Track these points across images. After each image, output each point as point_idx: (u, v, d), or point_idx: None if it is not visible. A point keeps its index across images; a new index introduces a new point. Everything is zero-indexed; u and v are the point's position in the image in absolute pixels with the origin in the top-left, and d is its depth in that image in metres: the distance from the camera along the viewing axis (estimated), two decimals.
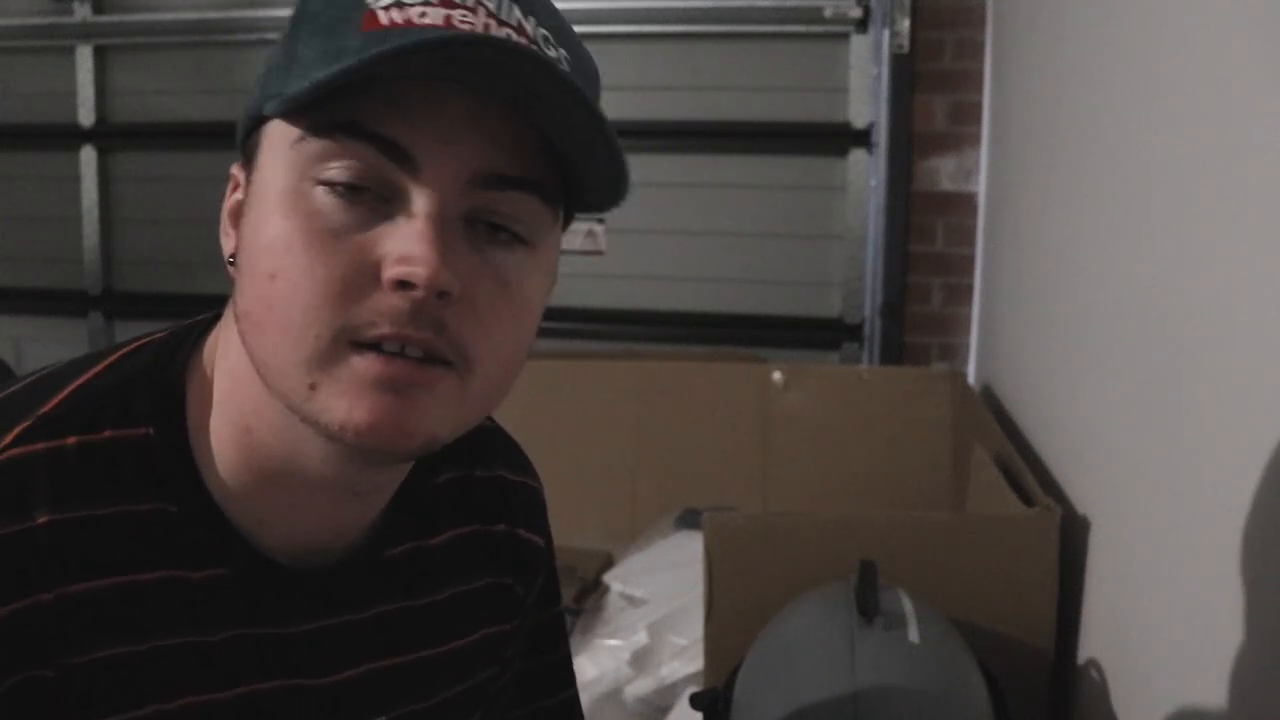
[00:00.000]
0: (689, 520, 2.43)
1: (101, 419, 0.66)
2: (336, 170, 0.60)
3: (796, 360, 2.96)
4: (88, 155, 3.49)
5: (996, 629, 1.59)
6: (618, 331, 3.21)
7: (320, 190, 0.60)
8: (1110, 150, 1.62)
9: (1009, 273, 2.49)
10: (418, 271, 0.58)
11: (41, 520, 0.62)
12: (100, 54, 3.48)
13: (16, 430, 0.64)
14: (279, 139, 0.62)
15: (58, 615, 0.62)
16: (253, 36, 3.27)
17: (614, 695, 1.98)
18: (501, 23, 0.62)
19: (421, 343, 0.60)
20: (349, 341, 0.60)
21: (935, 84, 2.95)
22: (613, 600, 2.28)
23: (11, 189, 3.57)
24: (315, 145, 0.60)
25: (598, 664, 2.01)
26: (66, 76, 3.48)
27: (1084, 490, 1.69)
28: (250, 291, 0.62)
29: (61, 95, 3.50)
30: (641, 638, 2.01)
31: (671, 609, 2.05)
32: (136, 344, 0.71)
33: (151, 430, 0.66)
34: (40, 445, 0.64)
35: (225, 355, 0.68)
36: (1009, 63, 2.57)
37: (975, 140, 2.94)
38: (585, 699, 1.97)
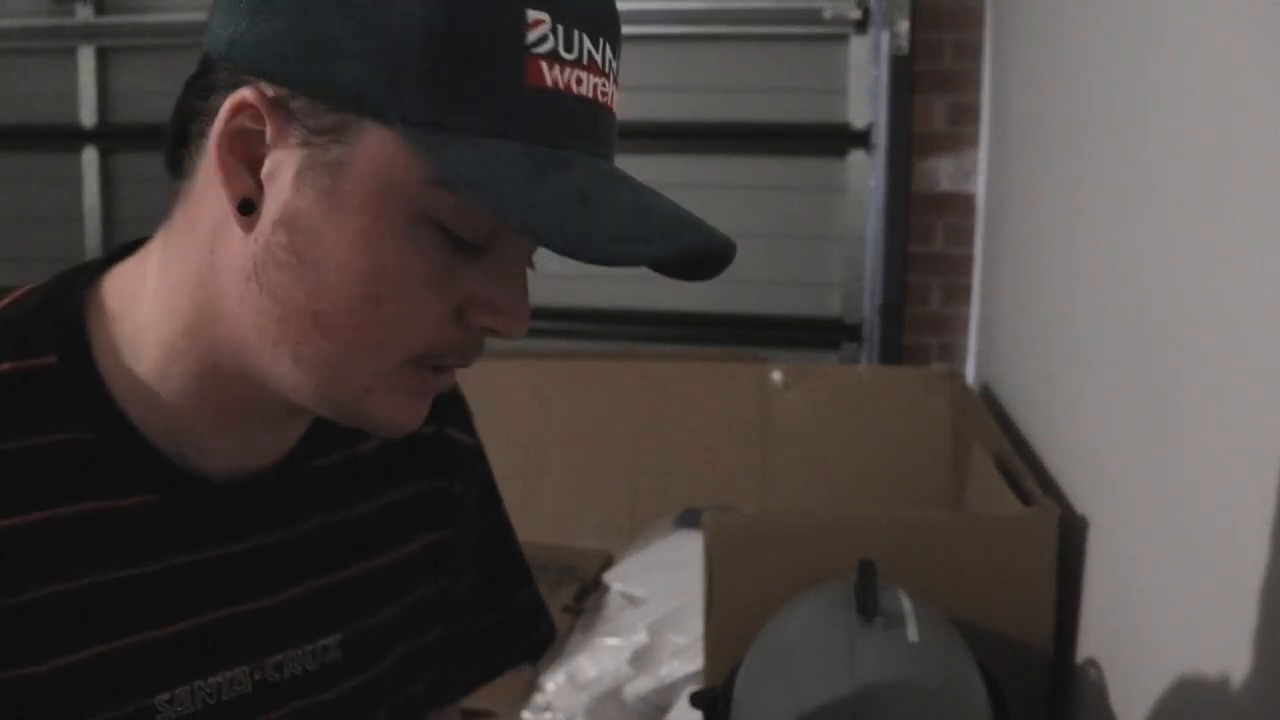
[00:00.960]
0: (689, 520, 2.43)
1: (9, 349, 0.65)
2: (462, 224, 0.61)
3: (796, 360, 2.96)
4: (89, 156, 3.49)
5: (995, 628, 1.60)
6: (618, 331, 3.22)
7: (437, 230, 0.61)
8: (1109, 150, 1.63)
9: (1008, 273, 2.49)
10: (515, 327, 0.64)
11: None
12: (102, 55, 3.48)
13: None
14: (399, 160, 0.59)
15: (12, 539, 0.61)
16: None
17: (614, 694, 1.98)
18: (611, 81, 0.65)
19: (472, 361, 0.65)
20: (417, 361, 0.64)
21: (934, 85, 2.95)
22: (613, 599, 2.28)
23: (13, 190, 3.56)
24: (450, 197, 0.60)
25: (598, 663, 2.01)
26: (68, 77, 3.48)
27: (1083, 490, 1.69)
28: (333, 300, 0.61)
29: (63, 96, 3.50)
30: (641, 637, 2.01)
31: (671, 608, 2.06)
32: (22, 290, 0.70)
33: (55, 359, 0.65)
34: None
35: (168, 290, 0.65)
36: (1008, 64, 2.57)
37: (974, 141, 2.94)
38: (585, 698, 1.98)
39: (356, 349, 0.62)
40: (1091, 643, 1.59)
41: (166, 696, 0.67)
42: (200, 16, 0.70)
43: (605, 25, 0.63)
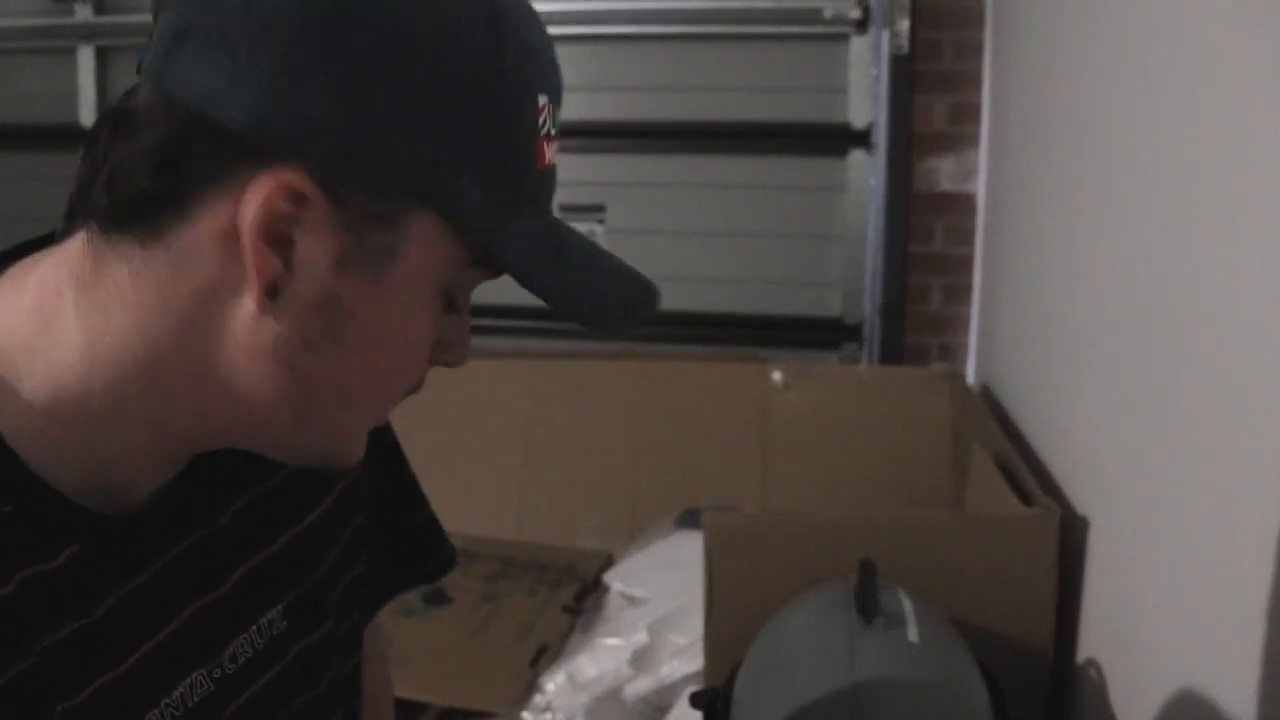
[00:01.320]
0: (689, 520, 2.43)
1: None
2: (467, 292, 0.67)
3: (796, 360, 2.96)
4: None
5: (996, 629, 1.60)
6: (618, 331, 3.21)
7: (445, 296, 0.65)
8: (1109, 150, 1.62)
9: (1008, 273, 2.49)
10: (462, 359, 0.69)
11: None
12: (102, 55, 3.47)
13: None
14: (446, 246, 0.62)
15: None
16: None
17: (614, 695, 1.98)
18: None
19: None
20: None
21: (934, 84, 2.94)
22: (613, 600, 2.28)
23: (12, 189, 3.56)
24: (473, 275, 0.64)
25: (598, 663, 2.01)
26: (68, 77, 3.48)
27: (1083, 490, 1.69)
28: (358, 368, 0.63)
29: (62, 96, 3.49)
30: (641, 637, 2.01)
31: (671, 608, 2.05)
32: None
33: None
34: None
35: (109, 351, 0.61)
36: (1008, 63, 2.57)
37: (974, 140, 2.94)
38: (585, 699, 1.98)
39: (369, 411, 0.67)
40: (1092, 643, 1.59)
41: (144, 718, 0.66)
42: None
43: (562, 94, 0.67)
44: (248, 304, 0.59)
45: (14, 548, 0.60)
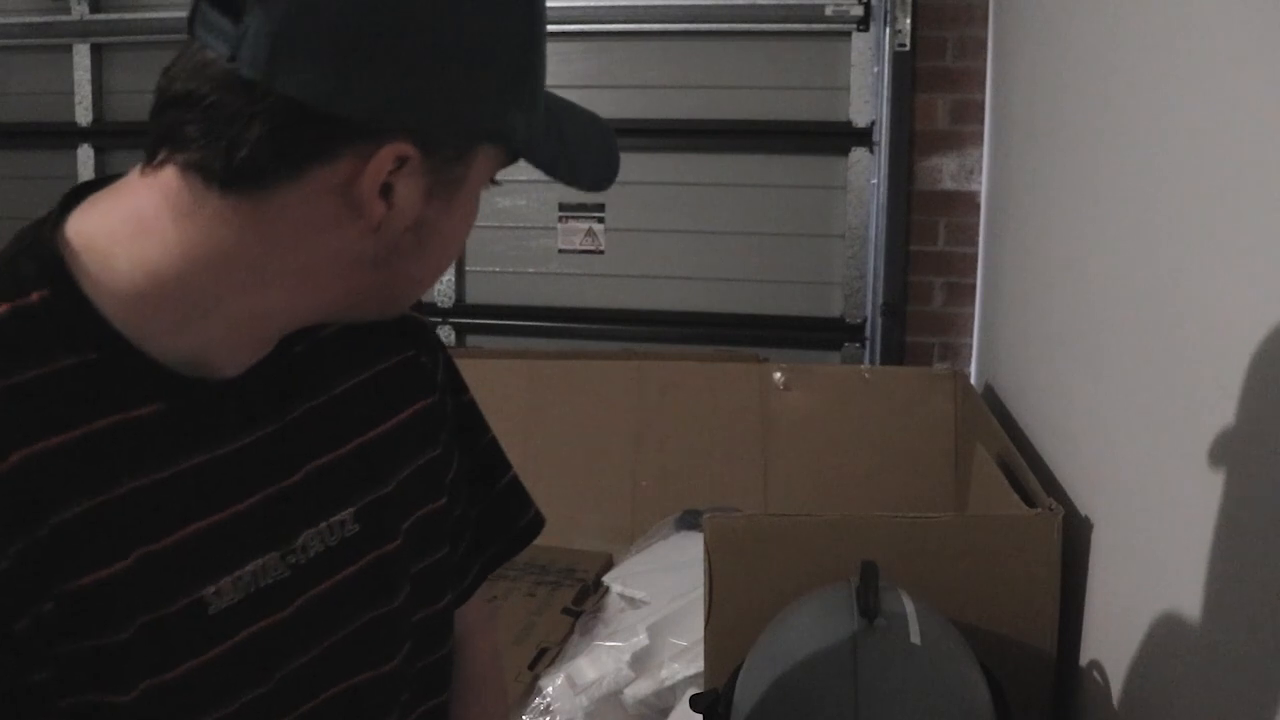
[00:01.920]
0: (689, 521, 2.42)
1: None
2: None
3: (797, 360, 2.95)
4: (85, 154, 3.48)
5: (998, 630, 1.59)
6: (618, 331, 3.21)
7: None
8: (1112, 149, 1.62)
9: (1011, 272, 2.48)
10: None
11: (10, 379, 0.67)
12: (98, 52, 3.47)
13: None
14: (490, 166, 0.79)
15: (22, 477, 0.66)
16: None
17: (614, 696, 1.98)
18: None
19: None
20: None
21: (937, 82, 2.94)
22: (613, 601, 2.28)
23: (8, 188, 3.56)
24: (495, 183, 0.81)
25: (598, 665, 2.00)
26: (64, 75, 3.48)
27: (1086, 491, 1.68)
28: (434, 261, 0.79)
29: (58, 94, 3.49)
30: (642, 639, 2.00)
31: (672, 610, 2.05)
32: None
33: (46, 293, 0.70)
34: None
35: (214, 256, 0.71)
36: (1011, 61, 2.56)
37: (977, 139, 2.93)
38: (585, 701, 1.97)
39: (430, 284, 0.83)
40: (1095, 644, 1.58)
41: (212, 589, 0.73)
42: None
43: None
44: (351, 233, 0.73)
45: (95, 394, 0.70)
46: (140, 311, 0.71)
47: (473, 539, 1.02)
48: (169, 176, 0.71)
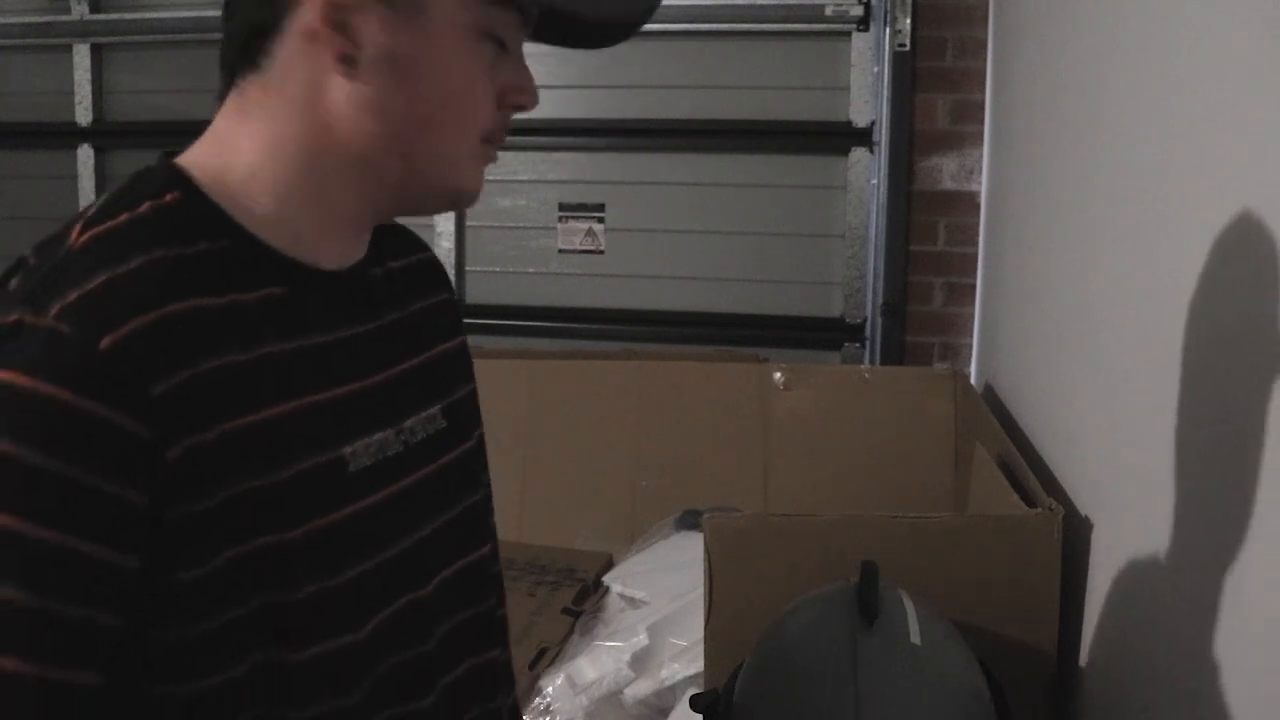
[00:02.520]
0: (689, 521, 2.42)
1: (135, 202, 0.80)
2: (505, 31, 0.85)
3: (797, 360, 2.95)
4: (85, 154, 3.48)
5: (999, 630, 1.59)
6: (618, 331, 3.21)
7: (485, 38, 0.84)
8: (1112, 148, 1.62)
9: (1011, 272, 2.48)
10: (532, 102, 0.89)
11: (135, 263, 0.76)
12: (98, 52, 3.47)
13: (76, 228, 0.78)
14: None
15: (180, 323, 0.75)
16: None
17: (614, 696, 1.97)
18: None
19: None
20: (483, 140, 0.87)
21: (937, 82, 2.94)
22: (613, 601, 2.28)
23: (8, 188, 3.56)
24: (496, 11, 0.84)
25: (597, 665, 2.00)
26: (64, 75, 3.47)
27: (1086, 491, 1.68)
28: (430, 103, 0.83)
29: (58, 94, 3.49)
30: (642, 639, 2.00)
31: (672, 610, 2.05)
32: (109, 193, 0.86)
33: (179, 194, 0.81)
34: (102, 226, 0.78)
35: (270, 143, 0.83)
36: (1011, 61, 2.56)
37: (977, 139, 2.93)
38: (585, 701, 1.97)
39: (455, 133, 0.85)
40: (1095, 644, 1.58)
41: (350, 449, 0.83)
42: (194, 14, 0.84)
43: None
44: (340, 81, 0.81)
45: (237, 274, 0.80)
46: (255, 210, 0.83)
47: None
48: (229, 102, 0.85)
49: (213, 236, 0.81)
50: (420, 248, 1.06)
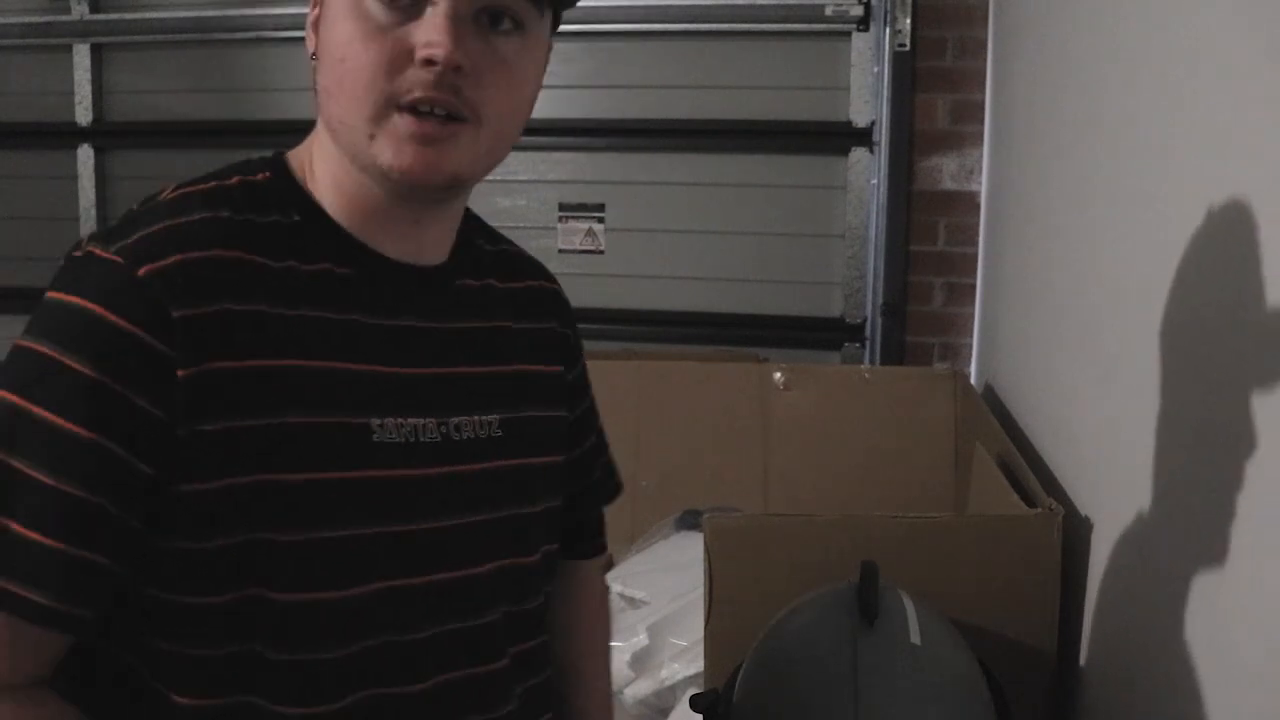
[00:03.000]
0: (689, 521, 2.42)
1: (228, 175, 0.90)
2: None
3: (797, 360, 2.95)
4: (85, 154, 3.47)
5: (998, 630, 1.59)
6: (618, 331, 3.20)
7: (376, 3, 0.84)
8: (1112, 148, 1.62)
9: (1011, 272, 2.48)
10: (438, 52, 0.82)
11: (197, 217, 0.85)
12: (98, 52, 3.46)
13: (172, 186, 0.89)
14: None
15: (197, 267, 0.83)
16: (250, 35, 3.27)
17: (614, 697, 1.97)
18: None
19: (443, 102, 0.84)
20: (394, 105, 0.84)
21: (937, 82, 2.94)
22: (613, 602, 2.27)
23: (8, 188, 3.55)
24: None
25: None
26: (64, 75, 3.47)
27: (1086, 491, 1.68)
28: (327, 73, 0.86)
29: (59, 93, 3.48)
30: (642, 639, 2.00)
31: (672, 610, 2.04)
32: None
33: (269, 175, 0.91)
34: (191, 188, 0.88)
35: (321, 142, 0.91)
36: (1011, 61, 2.56)
37: (977, 139, 2.93)
38: None
39: (347, 100, 0.85)
40: (1095, 644, 1.58)
41: (379, 421, 0.87)
42: (194, 14, 0.88)
43: None
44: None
45: (300, 247, 0.87)
46: (326, 194, 0.90)
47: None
48: None
49: (286, 211, 0.89)
50: (542, 276, 1.11)
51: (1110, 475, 1.57)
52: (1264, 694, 1.03)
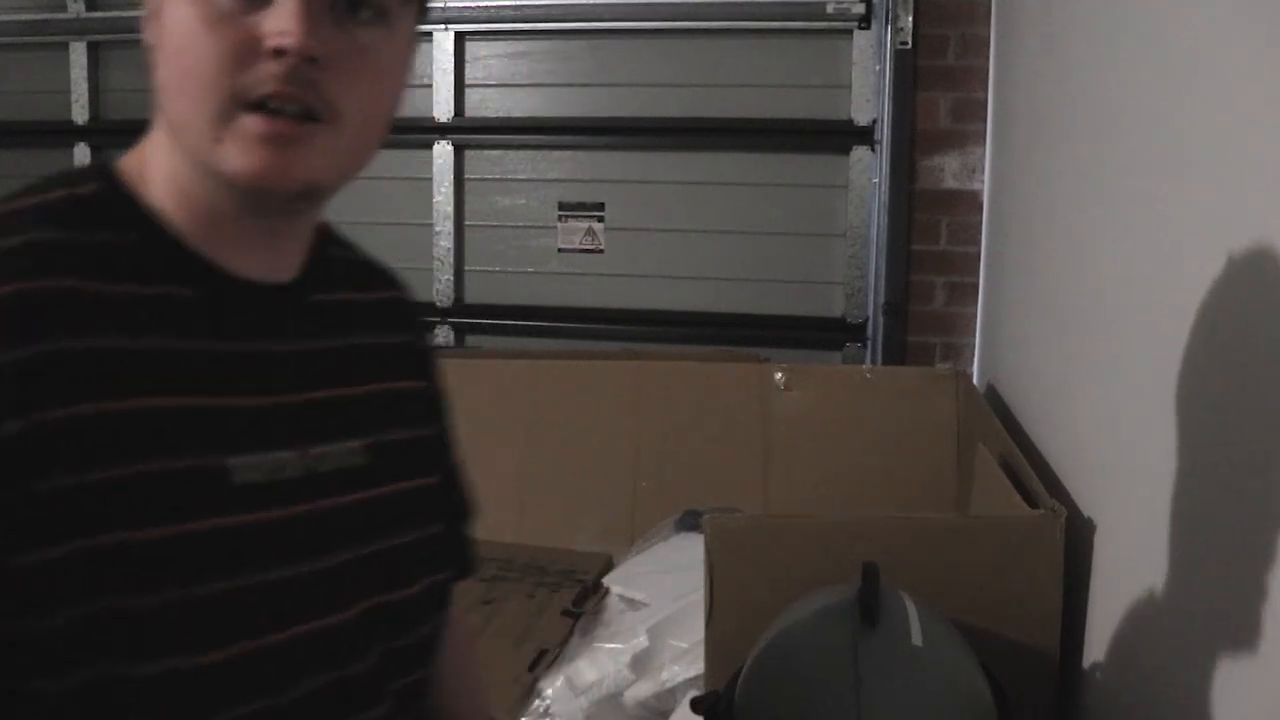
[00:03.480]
0: (689, 522, 2.41)
1: (50, 189, 0.80)
2: None
3: (798, 360, 2.95)
4: (81, 153, 3.48)
5: (1001, 632, 1.58)
6: (618, 331, 3.20)
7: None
8: (1115, 147, 1.61)
9: (1013, 271, 2.47)
10: (289, 41, 0.73)
11: (17, 240, 0.75)
12: (94, 50, 3.47)
13: None
14: None
15: (20, 303, 0.72)
16: None
17: (614, 699, 1.96)
18: None
19: (297, 98, 0.75)
20: (241, 103, 0.74)
21: (938, 80, 2.93)
22: (613, 603, 2.27)
23: (4, 187, 3.53)
24: None
25: (597, 667, 1.99)
26: (60, 73, 3.47)
27: (1089, 492, 1.67)
28: (166, 67, 0.77)
29: (55, 92, 3.48)
30: (642, 641, 1.99)
31: (672, 611, 2.04)
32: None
33: (96, 187, 0.80)
34: (6, 207, 0.79)
35: (161, 145, 0.81)
36: (1013, 59, 2.55)
37: (979, 137, 2.92)
38: (584, 703, 1.96)
39: (188, 98, 0.76)
40: (1098, 646, 1.57)
41: (237, 461, 0.78)
42: None
43: None
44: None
45: (136, 268, 0.77)
46: (168, 206, 0.80)
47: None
48: None
49: (120, 229, 0.78)
50: (395, 286, 1.01)
51: (1113, 476, 1.56)
52: (1266, 695, 1.02)
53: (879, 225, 3.03)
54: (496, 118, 3.27)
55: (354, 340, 0.91)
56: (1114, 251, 1.59)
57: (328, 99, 0.76)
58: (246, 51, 0.74)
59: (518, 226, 3.29)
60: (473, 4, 3.20)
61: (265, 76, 0.74)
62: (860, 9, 2.99)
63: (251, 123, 0.74)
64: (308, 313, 0.87)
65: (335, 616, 0.83)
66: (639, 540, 2.50)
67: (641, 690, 1.95)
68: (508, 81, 3.24)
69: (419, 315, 1.04)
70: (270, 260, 0.84)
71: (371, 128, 0.81)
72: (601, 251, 3.24)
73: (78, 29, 3.44)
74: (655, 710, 1.94)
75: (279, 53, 0.73)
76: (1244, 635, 1.08)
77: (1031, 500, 1.70)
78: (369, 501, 0.87)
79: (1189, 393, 1.25)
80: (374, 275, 0.99)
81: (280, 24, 0.73)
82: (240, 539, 0.77)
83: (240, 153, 0.75)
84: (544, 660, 2.09)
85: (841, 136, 3.08)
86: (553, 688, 2.00)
